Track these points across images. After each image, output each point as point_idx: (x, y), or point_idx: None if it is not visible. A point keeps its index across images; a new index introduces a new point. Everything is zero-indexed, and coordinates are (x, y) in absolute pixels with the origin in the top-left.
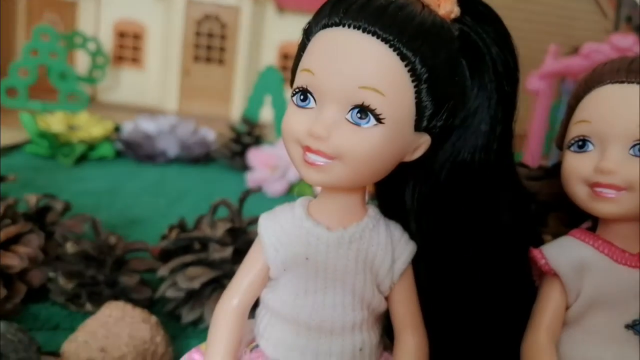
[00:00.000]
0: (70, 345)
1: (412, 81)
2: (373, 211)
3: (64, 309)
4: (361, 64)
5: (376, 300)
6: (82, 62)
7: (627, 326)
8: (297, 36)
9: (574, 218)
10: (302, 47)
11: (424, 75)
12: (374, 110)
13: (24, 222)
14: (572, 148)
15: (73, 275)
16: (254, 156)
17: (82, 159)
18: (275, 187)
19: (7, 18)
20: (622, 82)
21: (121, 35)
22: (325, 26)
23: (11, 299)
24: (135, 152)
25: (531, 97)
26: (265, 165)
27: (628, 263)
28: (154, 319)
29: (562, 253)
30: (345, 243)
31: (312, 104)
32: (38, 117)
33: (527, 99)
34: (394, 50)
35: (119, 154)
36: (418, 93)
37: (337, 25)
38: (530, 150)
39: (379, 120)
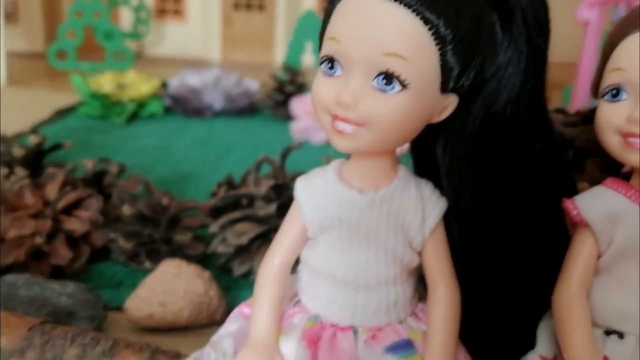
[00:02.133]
0: (133, 302)
1: (437, 44)
2: (403, 172)
3: (125, 266)
4: (384, 31)
5: (408, 256)
6: (126, 18)
7: None
8: None
9: (611, 164)
10: (328, 13)
11: (448, 37)
12: (398, 76)
13: (83, 188)
14: (606, 97)
15: (131, 236)
16: (297, 105)
17: (133, 117)
18: (319, 136)
19: None
20: None
21: None
22: None
23: (77, 260)
24: (183, 107)
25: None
26: (309, 114)
27: None
28: (207, 274)
29: (594, 203)
30: (376, 205)
31: (339, 72)
32: (89, 79)
33: (580, 28)
34: (417, 15)
35: (167, 110)
36: (443, 55)
37: None
38: (581, 82)
39: (404, 85)
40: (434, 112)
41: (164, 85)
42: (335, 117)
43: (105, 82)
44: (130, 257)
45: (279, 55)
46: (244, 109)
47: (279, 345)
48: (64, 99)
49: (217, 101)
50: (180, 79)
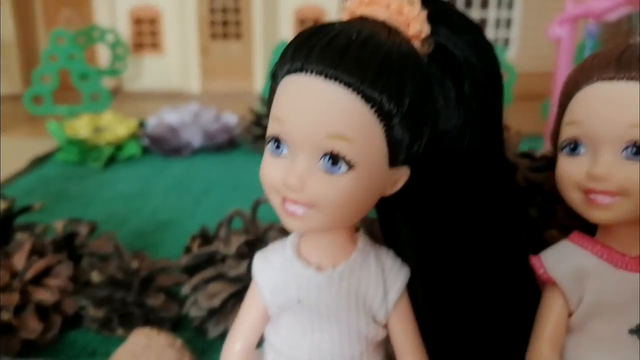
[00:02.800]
0: None
1: (380, 121)
2: (362, 243)
3: (98, 334)
4: (326, 112)
5: (372, 331)
6: (103, 55)
7: (631, 331)
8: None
9: None
10: (272, 91)
11: (392, 112)
12: (344, 157)
13: (52, 254)
14: (564, 150)
15: (103, 302)
16: None
17: (111, 160)
18: None
19: (26, 23)
20: (611, 78)
21: (138, 22)
22: (289, 71)
23: (49, 331)
24: (161, 146)
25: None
26: None
27: (628, 267)
28: (178, 342)
29: (561, 260)
30: (335, 282)
31: (285, 151)
32: (65, 124)
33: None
34: (358, 94)
35: (145, 151)
36: (389, 130)
37: (299, 71)
38: (556, 98)
39: (350, 165)
40: (384, 186)
41: (141, 124)
42: (284, 199)
43: (81, 127)
44: (103, 325)
45: (258, 82)
46: (223, 145)
47: None
48: (43, 145)
49: (195, 138)
50: (157, 118)
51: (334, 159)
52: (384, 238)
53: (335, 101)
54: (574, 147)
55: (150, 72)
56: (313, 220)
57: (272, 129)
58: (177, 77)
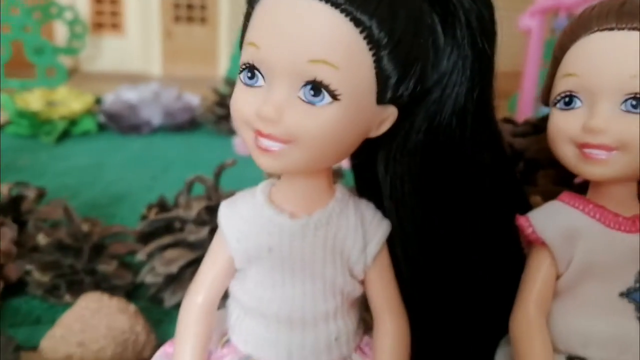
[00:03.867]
0: (48, 342)
1: (370, 49)
2: (341, 193)
3: (44, 301)
4: (309, 35)
5: (349, 286)
6: (60, 32)
7: (622, 294)
8: None
9: (564, 175)
10: (247, 16)
11: (383, 41)
12: (327, 85)
13: None
14: (558, 105)
15: (49, 267)
16: None
17: (65, 135)
18: None
19: None
20: (612, 29)
21: (98, 1)
22: None
23: None
24: (119, 123)
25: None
26: None
27: (621, 228)
28: (132, 307)
29: (550, 220)
30: (310, 231)
31: (260, 81)
32: (16, 96)
33: (522, 37)
34: (347, 16)
35: (102, 127)
36: (378, 61)
37: None
38: (526, 91)
39: (334, 96)
40: (370, 125)
41: (98, 101)
42: (258, 133)
43: (34, 100)
44: (49, 291)
45: (222, 68)
46: (184, 124)
47: None
48: None
49: (155, 117)
50: (115, 95)
51: (317, 88)
52: (359, 192)
53: (320, 23)
54: (569, 100)
55: (109, 53)
56: (290, 158)
57: (246, 56)
58: (137, 60)
